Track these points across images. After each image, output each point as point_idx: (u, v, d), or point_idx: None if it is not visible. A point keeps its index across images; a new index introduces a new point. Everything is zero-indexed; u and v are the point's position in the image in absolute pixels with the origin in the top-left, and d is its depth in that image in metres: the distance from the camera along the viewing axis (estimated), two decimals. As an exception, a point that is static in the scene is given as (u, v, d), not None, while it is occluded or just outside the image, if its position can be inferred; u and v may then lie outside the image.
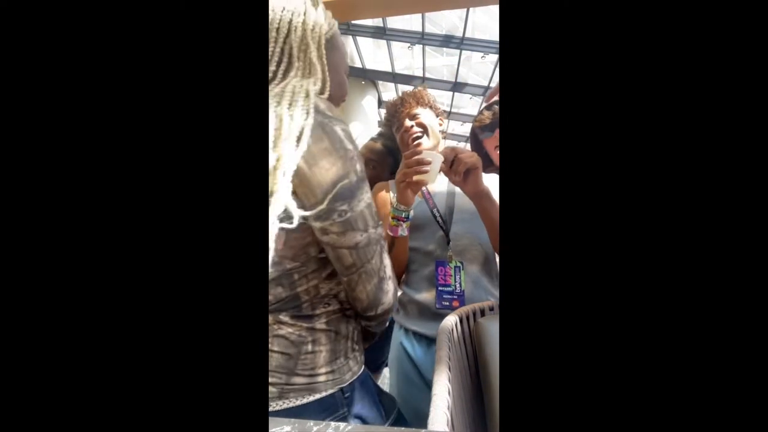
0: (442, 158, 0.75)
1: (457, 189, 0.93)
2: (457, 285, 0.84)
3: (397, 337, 0.93)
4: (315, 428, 0.26)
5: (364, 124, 5.26)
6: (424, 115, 0.96)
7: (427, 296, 0.87)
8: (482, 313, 0.79)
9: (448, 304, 0.84)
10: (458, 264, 0.85)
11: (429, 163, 0.73)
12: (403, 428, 0.25)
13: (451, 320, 0.69)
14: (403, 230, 0.82)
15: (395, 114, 0.99)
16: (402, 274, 0.93)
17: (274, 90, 0.45)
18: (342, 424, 0.27)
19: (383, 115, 1.07)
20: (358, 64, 5.05)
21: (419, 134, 0.94)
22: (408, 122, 0.95)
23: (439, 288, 0.85)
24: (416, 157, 0.74)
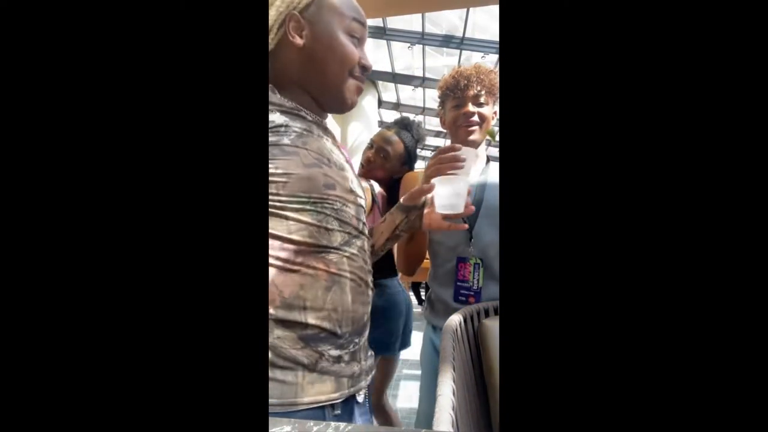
0: (476, 153, 0.69)
1: (489, 181, 0.91)
2: (475, 282, 0.84)
3: (427, 334, 0.93)
4: (315, 428, 0.26)
5: (364, 124, 5.26)
6: (488, 107, 0.90)
7: (451, 292, 0.87)
8: (486, 313, 0.79)
9: (464, 299, 0.83)
10: (478, 261, 0.84)
11: (464, 160, 0.68)
12: (404, 428, 0.25)
13: (455, 319, 0.69)
14: None
15: (456, 88, 0.90)
16: (419, 265, 0.91)
17: None
18: (342, 424, 0.27)
19: (444, 81, 0.95)
20: (358, 65, 5.03)
21: (476, 127, 0.89)
22: (471, 107, 0.88)
23: (458, 283, 0.85)
24: (452, 153, 0.68)
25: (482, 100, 0.90)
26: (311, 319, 0.51)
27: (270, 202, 0.50)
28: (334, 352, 0.52)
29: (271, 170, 0.51)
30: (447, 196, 0.63)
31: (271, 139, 0.52)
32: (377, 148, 1.22)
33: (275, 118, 0.54)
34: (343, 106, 0.61)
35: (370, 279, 0.61)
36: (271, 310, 0.49)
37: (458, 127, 0.90)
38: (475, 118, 0.89)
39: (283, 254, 0.51)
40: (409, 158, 1.24)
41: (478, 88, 0.89)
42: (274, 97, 0.57)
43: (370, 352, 0.62)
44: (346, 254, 0.56)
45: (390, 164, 1.20)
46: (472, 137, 0.89)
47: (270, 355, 0.48)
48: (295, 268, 0.51)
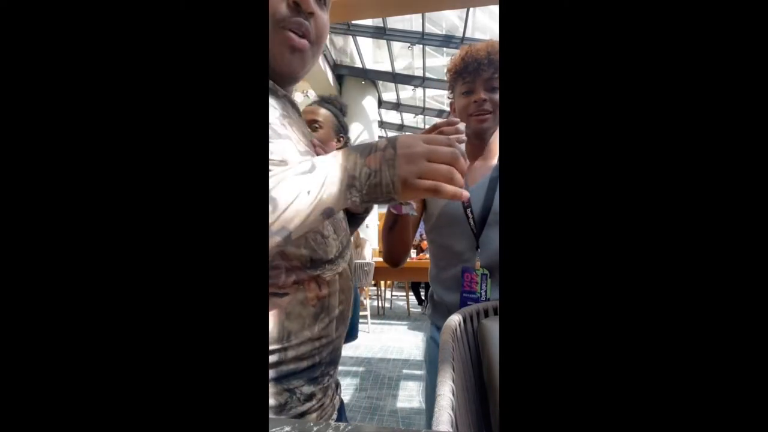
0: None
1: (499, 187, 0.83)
2: (483, 293, 0.79)
3: (431, 334, 0.91)
4: (315, 428, 0.26)
5: (365, 124, 5.26)
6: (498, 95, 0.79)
7: (456, 297, 0.83)
8: (486, 313, 0.79)
9: None
10: (485, 272, 0.79)
11: (464, 140, 0.55)
12: (403, 428, 0.25)
13: (455, 319, 0.69)
14: (411, 209, 0.70)
15: (466, 71, 0.80)
16: (405, 254, 0.84)
17: None
18: (342, 424, 0.27)
19: (453, 63, 0.84)
20: (358, 64, 5.05)
21: (488, 114, 0.79)
22: (483, 94, 0.78)
23: (464, 294, 0.80)
24: (455, 126, 0.54)
25: (495, 84, 0.79)
26: (291, 353, 0.40)
27: None
28: (307, 389, 0.42)
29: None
30: None
31: None
32: (308, 122, 1.24)
33: None
34: (272, 70, 0.46)
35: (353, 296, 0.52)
36: None
37: (468, 116, 0.81)
38: (487, 105, 0.79)
39: (270, 272, 0.39)
40: (341, 125, 1.27)
41: (491, 70, 0.78)
42: None
43: (339, 385, 0.54)
44: (339, 269, 0.45)
45: (325, 132, 1.21)
46: (484, 125, 0.80)
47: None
48: (283, 291, 0.39)
